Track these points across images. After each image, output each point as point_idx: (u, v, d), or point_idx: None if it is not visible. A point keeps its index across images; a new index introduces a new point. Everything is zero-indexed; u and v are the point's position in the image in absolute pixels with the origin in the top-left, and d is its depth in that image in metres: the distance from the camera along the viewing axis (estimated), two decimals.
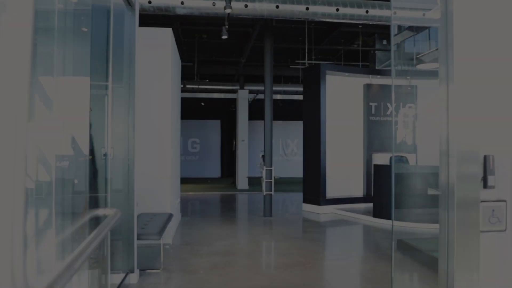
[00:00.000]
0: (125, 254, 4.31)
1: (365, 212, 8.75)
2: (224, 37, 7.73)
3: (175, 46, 7.18)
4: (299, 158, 20.51)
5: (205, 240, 6.30)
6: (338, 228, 7.66)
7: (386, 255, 5.42)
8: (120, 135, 4.27)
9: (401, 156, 9.08)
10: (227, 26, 7.06)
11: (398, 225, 7.71)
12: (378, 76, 10.00)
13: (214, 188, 14.64)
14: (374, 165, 8.00)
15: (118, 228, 4.29)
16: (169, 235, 6.06)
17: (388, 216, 7.59)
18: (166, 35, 6.22)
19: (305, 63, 11.18)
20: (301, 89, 15.47)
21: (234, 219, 8.34)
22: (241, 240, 6.38)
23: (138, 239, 4.51)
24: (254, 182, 15.41)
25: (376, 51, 11.79)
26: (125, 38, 4.48)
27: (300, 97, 16.18)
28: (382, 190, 7.78)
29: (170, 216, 5.92)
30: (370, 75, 9.99)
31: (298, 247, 5.89)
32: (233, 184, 16.23)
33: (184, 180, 18.26)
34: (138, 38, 6.16)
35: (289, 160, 20.33)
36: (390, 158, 9.04)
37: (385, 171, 7.74)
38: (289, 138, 20.42)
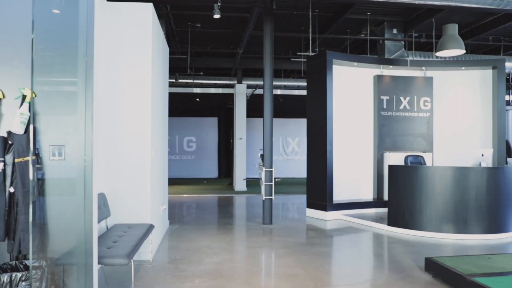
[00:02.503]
0: (80, 284, 3.30)
1: (377, 219, 7.76)
2: (217, 16, 6.73)
3: (159, 28, 6.18)
4: (300, 158, 19.55)
5: (193, 255, 5.29)
6: (348, 238, 6.67)
7: (412, 277, 4.42)
8: (74, 131, 3.27)
9: (417, 156, 8.09)
10: (219, 4, 6.06)
11: (414, 234, 6.72)
12: (390, 67, 8.99)
13: (210, 190, 13.64)
14: (389, 165, 7.00)
15: (73, 249, 3.30)
16: (150, 250, 5.06)
17: (406, 225, 6.60)
18: (145, 11, 5.21)
19: (308, 54, 10.17)
20: (303, 83, 14.50)
21: (230, 228, 7.34)
22: (236, 256, 5.38)
23: (100, 262, 3.51)
24: (253, 183, 14.41)
25: (386, 41, 10.80)
26: (80, 13, 3.46)
27: (302, 92, 15.21)
28: (399, 195, 6.78)
29: (150, 228, 4.92)
30: (382, 65, 8.98)
31: (303, 264, 4.90)
32: (230, 185, 15.24)
33: (179, 181, 17.36)
34: (107, 14, 5.16)
35: (290, 159, 19.35)
36: (405, 158, 8.04)
37: (403, 173, 6.74)
38: (290, 136, 19.45)
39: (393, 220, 6.90)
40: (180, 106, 18.80)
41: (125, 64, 5.10)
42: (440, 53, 7.20)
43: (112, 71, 5.07)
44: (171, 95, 16.09)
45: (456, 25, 7.09)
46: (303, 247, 5.80)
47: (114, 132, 5.08)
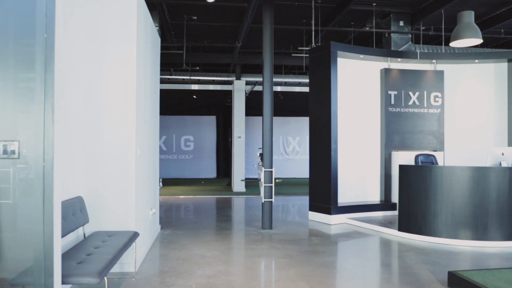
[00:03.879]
0: None
1: (386, 223, 7.18)
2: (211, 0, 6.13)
3: (148, 18, 5.61)
4: (301, 157, 18.97)
5: (183, 266, 4.72)
6: (356, 245, 6.09)
7: None
8: (31, 125, 2.69)
9: (429, 155, 7.51)
10: None
11: (428, 240, 6.14)
12: (399, 60, 8.40)
13: (208, 191, 13.06)
14: (400, 165, 6.42)
15: (31, 267, 2.72)
16: (133, 261, 4.49)
17: (419, 230, 6.02)
18: (129, 0, 4.63)
19: (311, 46, 9.58)
20: (304, 80, 13.92)
21: (226, 233, 6.76)
22: (232, 267, 4.81)
23: (65, 282, 2.93)
24: (252, 184, 13.83)
25: (392, 34, 10.22)
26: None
27: (303, 89, 14.62)
28: (410, 197, 6.20)
29: (134, 236, 4.35)
30: (389, 58, 8.39)
31: (307, 277, 4.32)
32: (228, 186, 14.66)
33: (176, 181, 16.77)
34: (87, 4, 4.59)
35: (290, 159, 18.78)
36: (416, 157, 7.46)
37: (415, 173, 6.16)
38: (291, 135, 18.87)
39: (404, 225, 6.32)
40: (178, 104, 18.23)
41: (107, 57, 4.52)
42: (454, 43, 6.62)
43: (93, 65, 4.49)
44: (167, 92, 15.55)
45: (472, 12, 6.51)
46: (307, 256, 5.22)
47: (94, 129, 4.51)
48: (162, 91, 15.04)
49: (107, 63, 4.53)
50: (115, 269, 4.38)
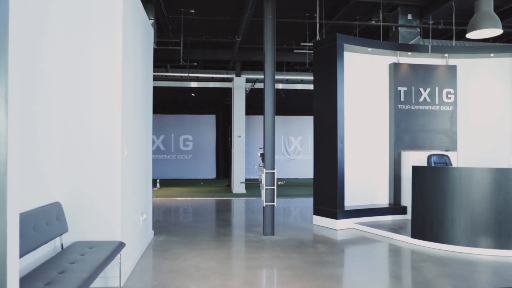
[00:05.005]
0: None
1: (396, 229, 6.68)
2: None
3: (139, 7, 5.11)
4: (303, 157, 18.46)
5: (175, 280, 4.21)
6: (366, 253, 5.59)
7: None
8: None
9: (442, 155, 7.01)
10: None
11: (445, 249, 5.62)
12: (409, 53, 7.89)
13: (206, 192, 12.55)
14: (413, 166, 5.91)
15: None
16: (118, 275, 3.98)
17: (435, 238, 5.51)
18: None
19: (315, 40, 9.08)
20: (307, 77, 13.40)
21: (225, 240, 6.26)
22: (230, 281, 4.30)
23: None
24: (253, 185, 13.32)
25: (400, 28, 9.70)
26: None
27: (306, 86, 14.11)
28: (425, 201, 5.69)
29: (119, 246, 3.85)
30: (398, 52, 7.88)
31: None
32: (228, 187, 14.15)
33: (175, 182, 16.23)
34: None
35: (292, 159, 18.29)
36: (429, 157, 6.96)
37: (431, 175, 5.65)
38: (292, 134, 18.38)
39: (418, 231, 5.81)
40: (176, 103, 17.73)
41: (90, 49, 4.02)
42: (471, 34, 6.10)
43: (74, 58, 3.99)
44: (165, 90, 15.05)
45: (491, 0, 5.99)
46: (313, 267, 4.71)
47: (75, 127, 4.01)
48: (159, 89, 14.59)
49: (90, 56, 4.02)
50: (98, 283, 3.88)
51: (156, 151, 17.57)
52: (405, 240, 6.01)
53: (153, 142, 17.64)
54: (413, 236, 5.89)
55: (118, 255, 3.86)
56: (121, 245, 3.93)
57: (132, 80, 4.66)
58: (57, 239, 3.78)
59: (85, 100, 4.02)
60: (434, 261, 5.00)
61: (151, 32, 6.34)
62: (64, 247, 3.80)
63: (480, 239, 5.31)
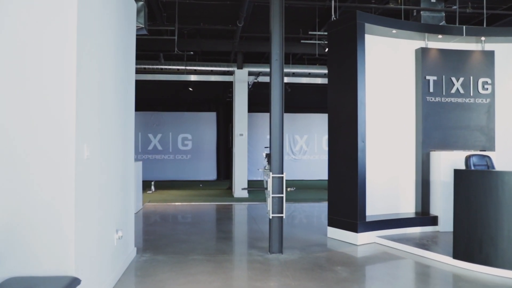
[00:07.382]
0: None
1: (428, 244, 5.55)
2: None
3: None
4: (309, 157, 17.31)
5: None
6: (398, 279, 4.47)
7: None
8: None
9: (483, 156, 5.86)
10: None
11: (500, 274, 4.35)
12: (440, 36, 6.74)
13: (205, 196, 11.42)
14: (456, 170, 4.78)
15: None
16: None
17: (485, 260, 4.40)
18: None
19: (331, 20, 7.94)
20: (315, 70, 12.25)
21: (222, 260, 5.13)
22: None
23: None
24: (256, 188, 12.16)
25: (422, 12, 8.54)
26: None
27: (313, 80, 12.99)
28: (473, 214, 4.55)
29: (71, 284, 2.74)
30: (427, 35, 6.73)
31: None
32: (229, 189, 13.03)
33: (173, 184, 15.04)
34: None
35: (298, 159, 17.16)
36: (467, 159, 5.82)
37: (480, 182, 4.51)
38: (298, 133, 17.25)
39: (463, 251, 4.67)
40: (174, 99, 16.64)
41: (35, 27, 2.91)
42: None
43: (14, 37, 2.88)
44: (160, 84, 13.90)
45: None
46: None
47: (7, 122, 2.90)
48: (155, 84, 13.46)
49: (34, 36, 2.91)
50: None
51: (153, 151, 16.51)
52: (445, 261, 4.87)
53: (150, 141, 16.57)
54: (455, 256, 4.75)
55: None
56: (74, 282, 2.82)
57: (96, 65, 3.54)
58: None
59: (25, 90, 2.91)
60: None
61: (132, 9, 5.23)
62: None
63: None
